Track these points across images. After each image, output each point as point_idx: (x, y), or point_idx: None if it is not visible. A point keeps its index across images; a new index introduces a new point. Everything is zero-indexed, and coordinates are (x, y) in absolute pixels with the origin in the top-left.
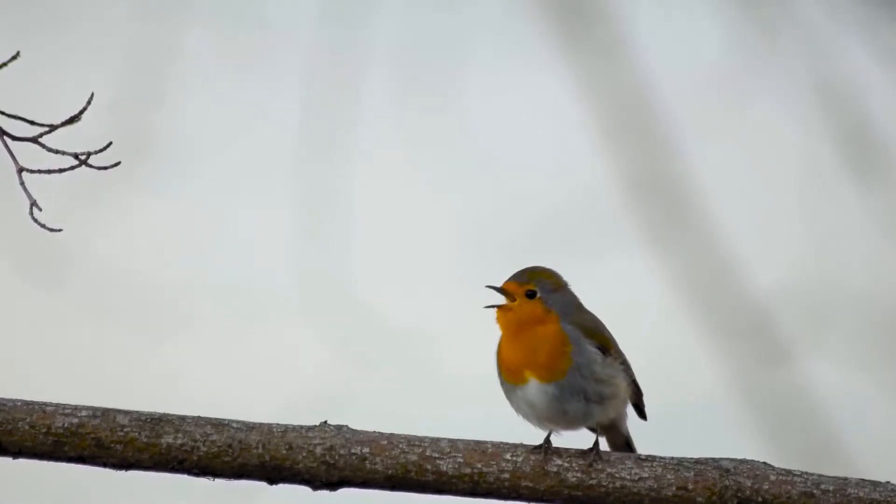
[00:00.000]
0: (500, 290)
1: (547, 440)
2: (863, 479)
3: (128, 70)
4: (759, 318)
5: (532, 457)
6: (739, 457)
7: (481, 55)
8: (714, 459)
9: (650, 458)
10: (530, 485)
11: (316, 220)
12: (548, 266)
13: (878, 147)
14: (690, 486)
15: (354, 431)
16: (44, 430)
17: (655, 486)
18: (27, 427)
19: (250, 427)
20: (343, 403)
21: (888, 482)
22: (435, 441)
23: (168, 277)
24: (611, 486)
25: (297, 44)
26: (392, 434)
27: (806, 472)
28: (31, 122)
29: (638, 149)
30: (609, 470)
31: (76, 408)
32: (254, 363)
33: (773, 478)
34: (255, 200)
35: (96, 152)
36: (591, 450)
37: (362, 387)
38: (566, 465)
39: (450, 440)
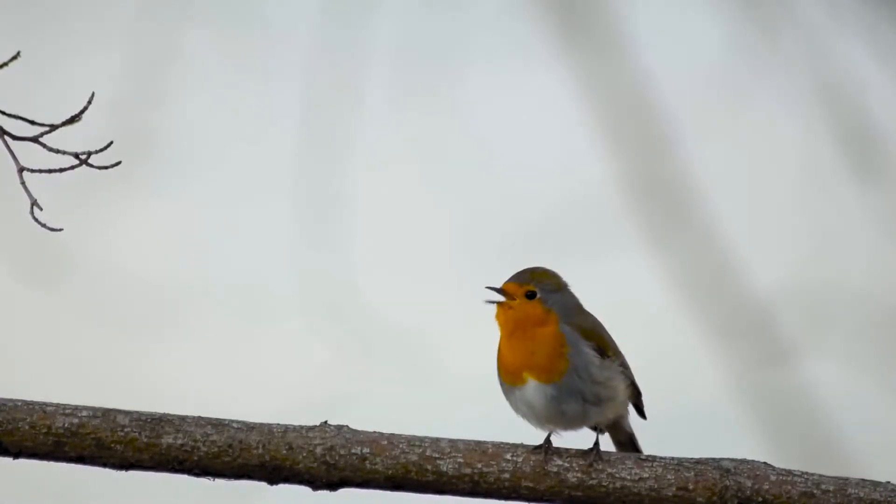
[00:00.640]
0: (500, 290)
1: (547, 440)
2: (863, 479)
3: (128, 70)
4: (759, 318)
5: (532, 457)
6: (740, 457)
7: (481, 55)
8: (714, 459)
9: (650, 459)
10: (530, 485)
11: (316, 220)
12: (548, 266)
13: (878, 147)
14: (691, 486)
15: (354, 431)
16: (44, 431)
17: (656, 487)
18: (27, 427)
19: (250, 427)
20: (343, 403)
21: (888, 482)
22: (435, 441)
23: (168, 277)
24: (611, 486)
25: (297, 44)
26: (392, 434)
27: (806, 472)
28: (32, 122)
29: (638, 149)
30: (609, 470)
31: (76, 408)
32: (254, 363)
33: (773, 478)
34: (255, 200)
35: (97, 152)
36: (591, 450)
37: (362, 387)
38: (566, 465)
39: (450, 440)
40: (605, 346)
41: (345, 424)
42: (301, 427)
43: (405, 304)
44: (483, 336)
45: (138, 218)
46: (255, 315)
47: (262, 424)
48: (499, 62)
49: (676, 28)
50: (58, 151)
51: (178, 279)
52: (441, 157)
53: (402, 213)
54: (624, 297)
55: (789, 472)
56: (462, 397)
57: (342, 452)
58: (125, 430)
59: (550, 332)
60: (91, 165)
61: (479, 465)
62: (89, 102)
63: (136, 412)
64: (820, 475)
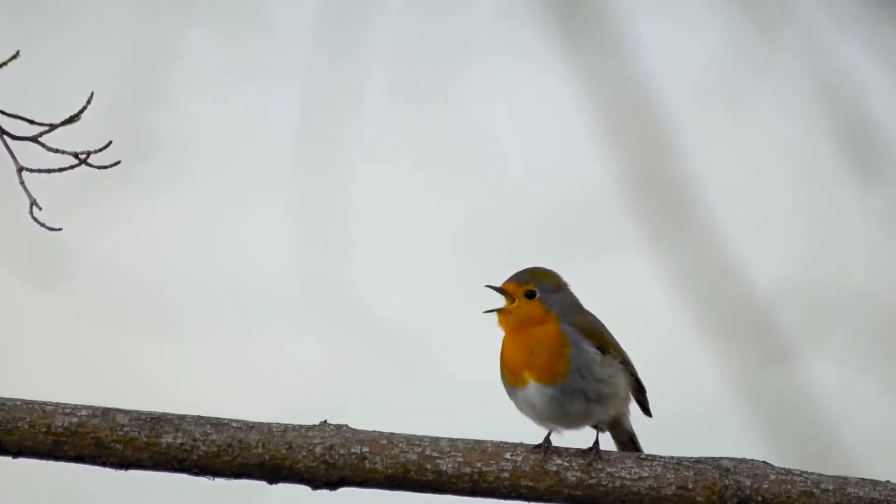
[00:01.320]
0: (500, 290)
1: (546, 439)
2: (863, 479)
3: (127, 70)
4: (759, 318)
5: (532, 456)
6: (739, 456)
7: (481, 55)
8: (714, 459)
9: (650, 458)
10: (530, 484)
11: (316, 221)
12: (548, 266)
13: (878, 147)
14: (690, 486)
15: (354, 431)
16: (44, 430)
17: (655, 486)
18: (27, 426)
19: (250, 426)
20: (343, 403)
21: (888, 481)
22: (435, 440)
23: (168, 277)
24: (610, 485)
25: (297, 44)
26: (392, 433)
27: (806, 472)
28: (31, 122)
29: (638, 149)
30: (609, 469)
31: (76, 407)
32: (254, 363)
33: (772, 477)
34: (254, 201)
35: (96, 152)
36: (590, 449)
37: (362, 386)
38: (566, 464)
39: (449, 440)
40: (605, 344)
41: (344, 424)
42: (301, 426)
43: (405, 303)
44: (482, 336)
45: (138, 218)
46: (254, 315)
47: (261, 424)
48: (499, 62)
49: (676, 28)
50: (57, 151)
51: (177, 279)
52: (441, 157)
53: (401, 213)
54: (624, 297)
55: (789, 472)
56: (462, 397)
57: (342, 452)
58: (125, 429)
59: (551, 332)
60: (90, 165)
61: (479, 465)
62: (88, 102)
63: (136, 411)
64: (819, 474)
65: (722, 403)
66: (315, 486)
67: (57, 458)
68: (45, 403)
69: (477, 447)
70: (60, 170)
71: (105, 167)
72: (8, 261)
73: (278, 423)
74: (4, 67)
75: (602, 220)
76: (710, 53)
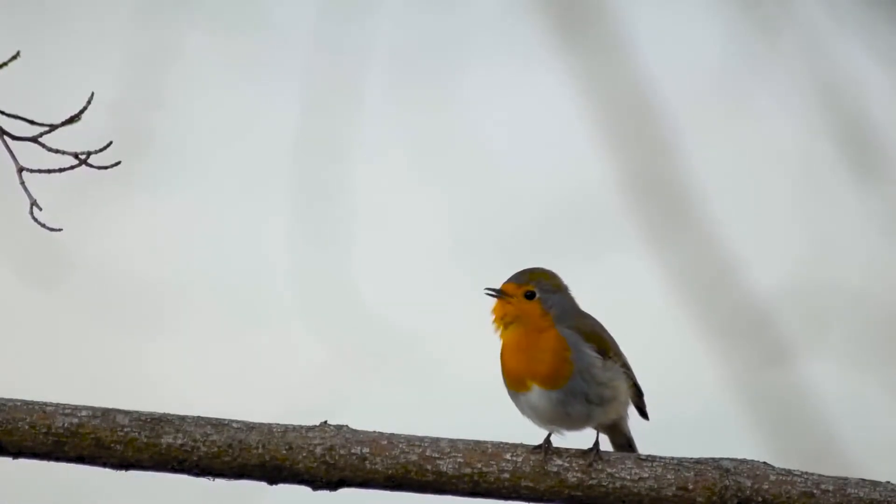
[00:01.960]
0: (499, 292)
1: (547, 440)
2: (863, 479)
3: (127, 70)
4: (759, 318)
5: (532, 457)
6: (739, 457)
7: (481, 55)
8: (714, 459)
9: (650, 458)
10: (530, 485)
11: (316, 220)
12: (547, 267)
13: (878, 147)
14: (690, 486)
15: (354, 431)
16: (44, 430)
17: (655, 486)
18: (27, 427)
19: (250, 427)
20: (343, 403)
21: (888, 482)
22: (435, 441)
23: (168, 277)
24: (611, 486)
25: (296, 44)
26: (392, 434)
27: (806, 472)
28: (31, 122)
29: (638, 149)
30: (609, 470)
31: (76, 408)
32: (254, 363)
33: (773, 478)
34: (254, 200)
35: (96, 152)
36: (591, 450)
37: (362, 387)
38: (566, 465)
39: (450, 440)
40: (605, 348)
41: (344, 424)
42: (301, 427)
43: (405, 304)
44: (483, 336)
45: (138, 218)
46: (254, 315)
47: (261, 424)
48: (499, 62)
49: (676, 28)
50: (57, 151)
51: (177, 279)
52: (441, 156)
53: (401, 213)
54: (624, 297)
55: (789, 472)
56: (462, 397)
57: (342, 452)
58: (125, 429)
59: (552, 337)
60: (90, 165)
61: (479, 465)
62: (89, 102)
63: (136, 412)
64: (819, 475)
65: (722, 404)
66: (315, 487)
67: (57, 458)
68: (46, 404)
69: (477, 448)
70: (60, 170)
71: (105, 167)
72: (8, 261)
73: (278, 424)
74: (4, 67)
75: (601, 220)
76: (710, 53)
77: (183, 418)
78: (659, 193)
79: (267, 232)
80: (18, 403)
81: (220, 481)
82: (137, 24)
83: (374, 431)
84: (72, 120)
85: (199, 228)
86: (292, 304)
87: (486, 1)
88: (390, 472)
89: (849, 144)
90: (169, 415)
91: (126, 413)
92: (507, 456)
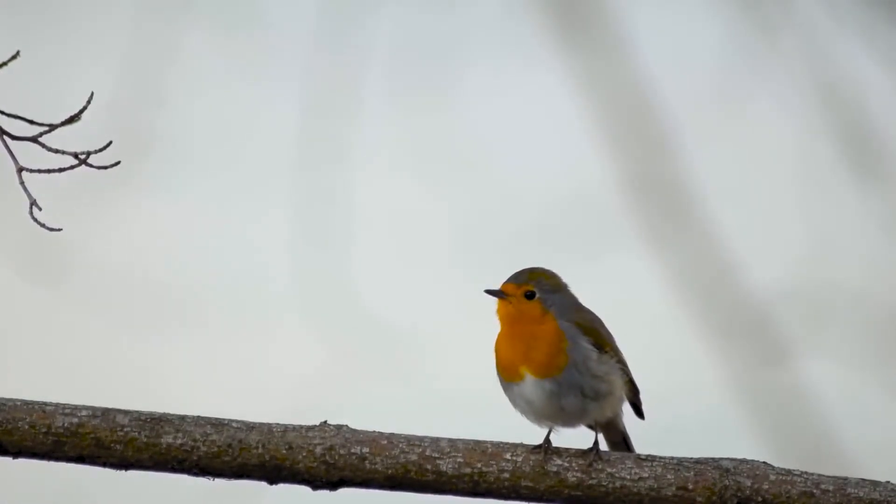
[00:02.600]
0: (498, 293)
1: (547, 440)
2: (862, 479)
3: (128, 70)
4: (759, 318)
5: (532, 456)
6: (739, 456)
7: (481, 55)
8: (714, 459)
9: (650, 458)
10: (530, 484)
11: (316, 220)
12: (547, 267)
13: (878, 147)
14: (690, 486)
15: (354, 431)
16: (44, 430)
17: (655, 486)
18: (27, 427)
19: (250, 427)
20: (343, 403)
21: (888, 482)
22: (435, 441)
23: (168, 277)
24: (611, 485)
25: (296, 44)
26: (392, 434)
27: (806, 472)
28: (31, 122)
29: (638, 149)
30: (609, 470)
31: (76, 407)
32: (254, 363)
33: (772, 477)
34: (254, 200)
35: (96, 152)
36: (590, 449)
37: (362, 386)
38: (566, 464)
39: (450, 440)
40: (602, 343)
41: (344, 424)
42: (301, 427)
43: (405, 303)
44: (482, 336)
45: (138, 218)
46: (254, 315)
47: (261, 424)
48: (499, 62)
49: (676, 28)
50: (57, 151)
51: (177, 279)
52: (440, 156)
53: (401, 213)
54: (624, 297)
55: (789, 472)
56: (462, 397)
57: (342, 452)
58: (125, 429)
59: (549, 328)
60: (90, 165)
61: (479, 465)
62: (88, 102)
63: (136, 412)
64: (819, 475)
65: (722, 403)
66: (315, 487)
67: (57, 458)
68: (45, 404)
69: (477, 447)
70: (60, 170)
71: (105, 167)
72: (8, 261)
73: (278, 424)
74: (4, 67)
75: (601, 220)
76: (710, 53)
77: (183, 418)
78: (659, 193)
79: (267, 231)
80: (18, 403)
81: (219, 481)
82: (137, 24)
83: (374, 431)
84: (71, 120)
85: (198, 228)
86: (292, 304)
87: (486, 1)
88: (390, 471)
89: (849, 144)
90: (169, 415)
91: (126, 413)
92: (507, 456)
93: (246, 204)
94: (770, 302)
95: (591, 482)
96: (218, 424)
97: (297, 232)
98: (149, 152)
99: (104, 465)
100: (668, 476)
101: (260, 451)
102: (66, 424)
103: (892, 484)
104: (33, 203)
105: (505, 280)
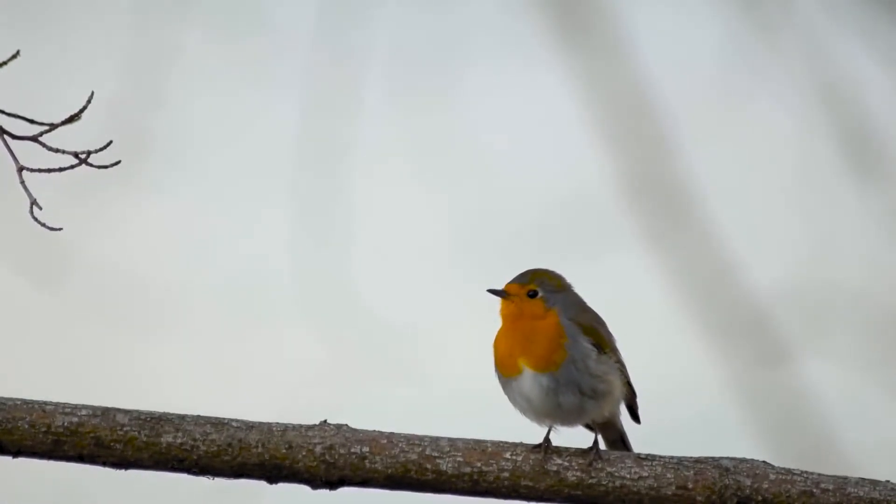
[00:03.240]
0: (501, 292)
1: (546, 439)
2: (862, 479)
3: (128, 70)
4: (758, 317)
5: (532, 456)
6: (739, 456)
7: (481, 55)
8: (714, 458)
9: (650, 457)
10: (530, 484)
11: (315, 220)
12: (550, 267)
13: (878, 147)
14: (690, 485)
15: (354, 430)
16: (43, 429)
17: (655, 485)
18: (27, 426)
19: (250, 426)
20: (343, 403)
21: (888, 481)
22: (434, 440)
23: (168, 277)
24: (610, 485)
25: (296, 44)
26: (392, 433)
27: (806, 471)
28: (31, 121)
29: (637, 148)
30: (609, 469)
31: (76, 407)
32: (253, 362)
33: (772, 477)
34: (254, 200)
35: (96, 151)
36: (590, 449)
37: (362, 386)
38: (566, 464)
39: (449, 439)
40: (602, 343)
41: (344, 423)
42: (300, 426)
43: (405, 303)
44: (482, 335)
45: (138, 217)
46: (254, 314)
47: (261, 423)
48: (499, 62)
49: (676, 28)
50: (57, 151)
51: (177, 279)
52: (440, 156)
53: (401, 213)
54: (624, 297)
55: (789, 471)
56: (461, 396)
57: (341, 451)
58: (124, 428)
59: (550, 323)
60: (90, 165)
61: (479, 464)
62: (88, 102)
63: (136, 411)
64: (819, 474)
65: (722, 403)
66: (315, 486)
67: (57, 457)
68: (45, 403)
69: (477, 447)
70: (60, 169)
71: (105, 167)
72: (8, 260)
73: (278, 423)
74: (4, 67)
75: (601, 220)
76: (710, 53)
77: (182, 417)
78: (659, 193)
79: (267, 231)
80: (18, 402)
81: (219, 480)
82: (137, 24)
83: (374, 430)
84: (72, 119)
85: (198, 228)
86: (292, 304)
87: (486, 1)
88: (390, 471)
89: (849, 144)
90: (169, 414)
91: (126, 412)
92: (507, 455)
93: (246, 204)
94: (770, 302)
95: (590, 481)
96: (218, 424)
97: (297, 232)
98: (149, 152)
99: (104, 464)
100: (668, 475)
101: (260, 450)
102: (65, 424)
103: (892, 483)
104: (33, 202)
105: (508, 280)
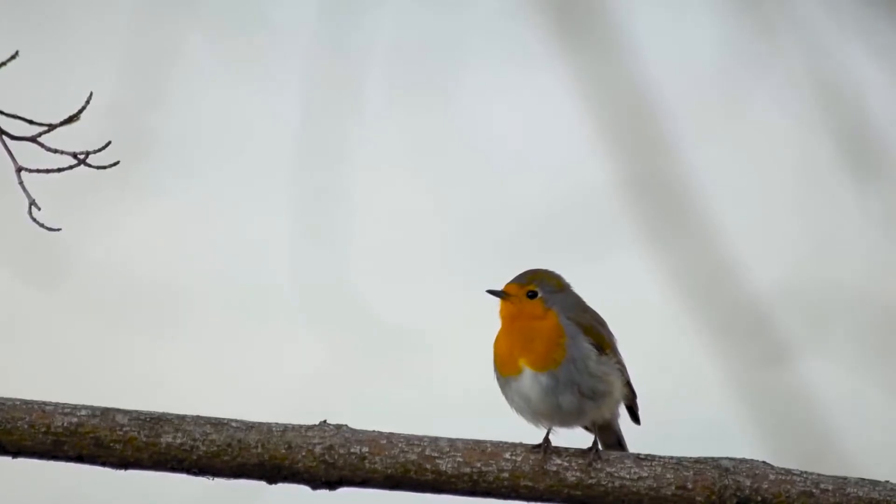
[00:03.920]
0: (501, 293)
1: (546, 439)
2: (862, 479)
3: (127, 70)
4: (758, 317)
5: (531, 456)
6: (739, 456)
7: (481, 55)
8: (713, 459)
9: (649, 458)
10: (529, 484)
11: (315, 221)
12: (549, 268)
13: (878, 147)
14: (690, 486)
15: (354, 431)
16: (43, 430)
17: (655, 486)
18: (26, 426)
19: (249, 426)
20: (343, 403)
21: (887, 481)
22: (434, 440)
23: (167, 277)
24: (610, 485)
25: (296, 44)
26: (391, 433)
27: (805, 472)
28: (30, 122)
29: (637, 149)
30: (608, 469)
31: (75, 407)
32: (253, 363)
33: (772, 477)
34: (254, 200)
35: (95, 152)
36: (590, 449)
37: (361, 386)
38: (565, 464)
39: (449, 439)
40: (602, 343)
41: (344, 424)
42: (300, 426)
43: (404, 303)
44: (482, 335)
45: (137, 218)
46: (254, 314)
47: (261, 424)
48: (499, 62)
49: (675, 28)
50: (56, 151)
51: (177, 279)
52: (440, 157)
53: (401, 213)
54: (624, 297)
55: (788, 472)
56: (461, 396)
57: (341, 452)
58: (124, 429)
59: (549, 323)
60: (89, 165)
61: (479, 465)
62: (87, 102)
63: (135, 411)
64: (819, 474)
65: (721, 403)
66: (314, 486)
67: (56, 458)
68: (45, 403)
69: (476, 447)
70: (59, 170)
71: (104, 167)
72: (7, 261)
73: (278, 423)
74: (4, 67)
75: (601, 220)
76: (709, 54)
77: (182, 417)
78: (659, 193)
79: (267, 232)
80: (17, 402)
81: (219, 481)
82: (137, 24)
83: (374, 431)
84: (70, 120)
85: (198, 228)
86: (292, 303)
87: (486, 1)
88: (389, 471)
89: (849, 144)
90: (168, 414)
91: (125, 412)
92: (507, 455)
93: (246, 204)
94: (770, 302)
95: (590, 481)
96: (217, 424)
97: (298, 232)
98: (148, 152)
99: (104, 464)
100: (668, 475)
101: (259, 450)
102: (65, 424)
103: (892, 484)
104: (32, 203)
105: (508, 281)
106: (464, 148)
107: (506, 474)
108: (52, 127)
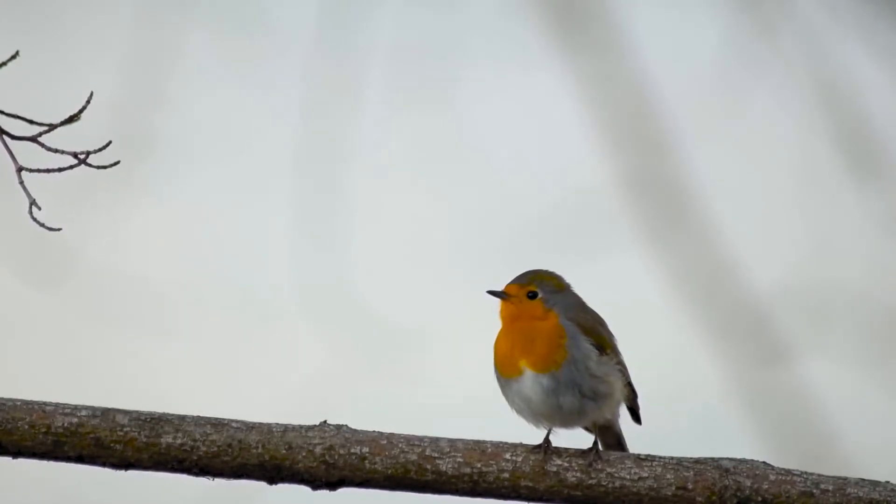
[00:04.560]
0: (501, 294)
1: (546, 440)
2: (862, 479)
3: (128, 70)
4: (758, 317)
5: (532, 456)
6: (739, 456)
7: (480, 55)
8: (714, 459)
9: (650, 458)
10: (530, 484)
11: (316, 221)
12: (550, 268)
13: (878, 147)
14: (690, 486)
15: (354, 431)
16: (43, 430)
17: (655, 486)
18: (27, 427)
19: (250, 427)
20: (343, 403)
21: (887, 482)
22: (434, 441)
23: (168, 277)
24: (610, 485)
25: (296, 45)
26: (392, 434)
27: (805, 472)
28: (31, 122)
29: (637, 149)
30: (609, 470)
31: (76, 407)
32: (253, 363)
33: (772, 477)
34: (255, 201)
35: (95, 151)
36: (590, 449)
37: (362, 386)
38: (566, 464)
39: (449, 440)
40: (603, 343)
41: (344, 424)
42: (300, 426)
43: (405, 303)
44: (482, 336)
45: (137, 218)
46: (254, 315)
47: (261, 424)
48: (498, 62)
49: (676, 27)
50: (56, 151)
51: (177, 279)
52: (440, 157)
53: (401, 213)
54: (623, 297)
55: (788, 472)
56: (461, 397)
57: (341, 452)
58: (124, 429)
59: (550, 324)
60: (90, 165)
61: (479, 465)
62: (88, 102)
63: (136, 411)
64: (819, 475)
65: (721, 403)
66: (315, 487)
67: (57, 458)
68: (45, 403)
69: (477, 447)
70: (60, 170)
71: (105, 167)
72: (8, 261)
73: (278, 424)
74: (4, 67)
75: (600, 220)
76: (709, 53)
77: (182, 418)
78: (658, 193)
79: (267, 232)
80: (18, 403)
81: (219, 481)
82: (137, 24)
83: (374, 431)
84: (71, 119)
85: (198, 228)
86: (293, 304)
87: (486, 1)
88: (390, 471)
89: (849, 144)
90: (168, 414)
91: (126, 413)
92: (507, 456)
93: (246, 204)
94: (770, 302)
95: (590, 482)
96: (218, 424)
97: (298, 232)
98: (149, 152)
99: (104, 465)
100: (668, 476)
101: (259, 450)
102: (65, 424)
103: (892, 484)
104: (33, 203)
105: (508, 282)
106: (463, 148)
107: (506, 475)
108: (52, 127)
